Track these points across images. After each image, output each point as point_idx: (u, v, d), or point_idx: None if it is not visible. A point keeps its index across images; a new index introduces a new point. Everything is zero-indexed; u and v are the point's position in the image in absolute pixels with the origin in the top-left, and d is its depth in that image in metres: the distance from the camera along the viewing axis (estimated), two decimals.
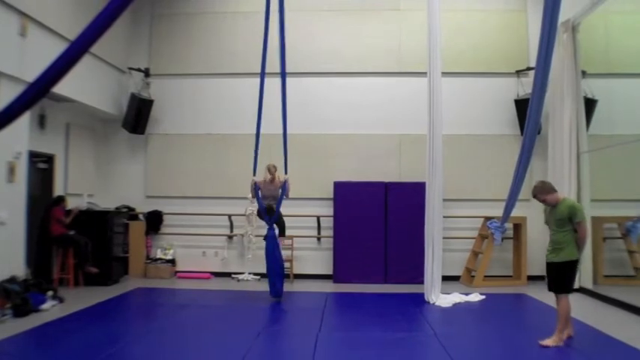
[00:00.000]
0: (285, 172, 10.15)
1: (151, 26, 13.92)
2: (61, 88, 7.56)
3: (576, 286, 11.24)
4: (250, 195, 10.45)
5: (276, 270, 10.26)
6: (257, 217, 11.46)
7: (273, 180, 10.48)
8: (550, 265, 7.49)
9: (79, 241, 11.41)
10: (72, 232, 11.48)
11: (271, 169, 10.45)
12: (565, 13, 10.75)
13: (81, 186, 12.62)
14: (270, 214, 10.41)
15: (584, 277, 11.45)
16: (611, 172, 11.62)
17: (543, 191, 7.51)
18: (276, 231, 10.57)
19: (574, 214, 7.21)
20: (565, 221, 7.27)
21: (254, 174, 10.20)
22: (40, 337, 7.67)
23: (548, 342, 7.19)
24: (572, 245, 7.27)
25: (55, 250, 11.41)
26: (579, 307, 10.02)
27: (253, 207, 11.87)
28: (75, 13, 10.61)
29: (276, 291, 10.28)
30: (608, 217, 11.70)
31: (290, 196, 10.48)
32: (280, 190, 10.34)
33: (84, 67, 8.42)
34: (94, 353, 6.70)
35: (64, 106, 11.58)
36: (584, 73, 11.98)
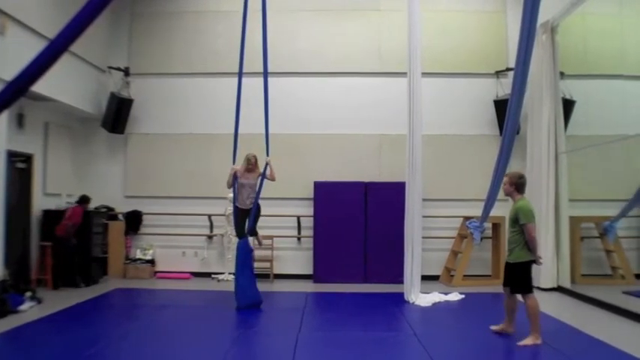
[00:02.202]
0: (267, 155, 9.90)
1: (131, 25, 13.85)
2: (40, 87, 7.49)
3: (554, 285, 11.45)
4: (227, 184, 10.09)
5: (244, 283, 9.73)
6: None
7: (252, 170, 10.06)
8: (505, 264, 7.78)
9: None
10: (74, 240, 11.51)
11: (251, 159, 10.02)
12: (544, 15, 10.82)
13: (60, 186, 12.51)
14: (245, 228, 9.98)
15: (562, 276, 11.59)
16: (589, 173, 11.75)
17: (512, 181, 7.65)
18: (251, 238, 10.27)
19: (519, 216, 7.36)
20: (513, 222, 7.48)
21: (233, 162, 9.90)
22: (18, 338, 7.62)
23: (526, 342, 7.26)
24: (522, 246, 7.41)
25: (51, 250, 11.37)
26: (557, 306, 10.17)
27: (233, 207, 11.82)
28: (54, 12, 10.49)
29: (252, 298, 9.78)
30: (585, 217, 11.84)
31: (275, 179, 10.10)
32: (259, 181, 10.01)
33: (63, 66, 8.33)
34: (73, 355, 6.67)
35: (42, 105, 11.48)
36: (562, 74, 12.09)
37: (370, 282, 12.53)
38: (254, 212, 9.96)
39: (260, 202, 10.09)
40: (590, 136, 11.51)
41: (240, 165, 10.01)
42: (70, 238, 11.40)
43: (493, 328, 7.92)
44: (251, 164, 10.03)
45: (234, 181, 9.96)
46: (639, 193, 9.84)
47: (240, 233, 10.00)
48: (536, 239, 7.45)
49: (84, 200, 11.88)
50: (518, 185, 7.64)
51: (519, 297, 7.57)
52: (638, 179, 9.59)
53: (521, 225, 7.34)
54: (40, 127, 11.96)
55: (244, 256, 9.84)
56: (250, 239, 10.19)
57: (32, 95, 10.31)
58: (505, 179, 7.82)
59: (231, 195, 10.25)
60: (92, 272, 12.03)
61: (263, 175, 9.98)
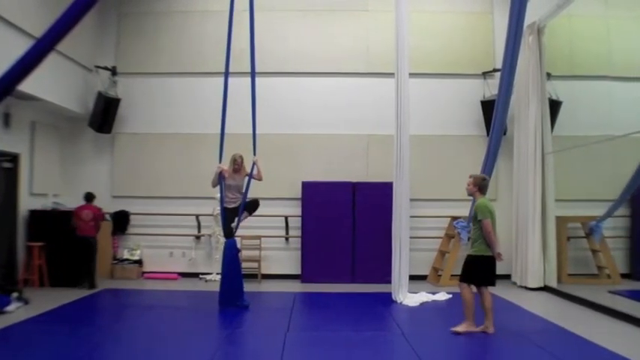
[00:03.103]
0: (254, 154, 9.91)
1: (119, 24, 13.79)
2: (27, 85, 7.49)
3: (541, 284, 11.52)
4: (212, 182, 10.06)
5: (232, 285, 9.79)
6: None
7: (238, 170, 10.08)
8: (466, 258, 8.13)
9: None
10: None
11: (237, 159, 10.04)
12: (530, 16, 10.91)
13: (46, 186, 12.45)
14: (231, 218, 10.00)
15: (548, 275, 11.66)
16: (575, 173, 11.81)
17: (475, 182, 8.11)
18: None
19: (477, 213, 7.87)
20: (474, 219, 7.97)
21: (220, 161, 9.91)
22: (5, 339, 7.54)
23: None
24: (482, 242, 7.79)
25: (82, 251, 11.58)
26: (544, 306, 10.25)
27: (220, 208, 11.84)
28: (41, 10, 10.42)
29: (237, 300, 9.76)
30: (572, 217, 11.91)
31: (262, 178, 10.13)
32: (245, 182, 9.99)
33: (50, 64, 8.31)
34: (61, 356, 6.65)
35: (29, 104, 11.41)
36: (549, 75, 12.16)
37: (358, 282, 12.56)
38: (242, 210, 9.92)
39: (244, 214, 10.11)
40: (577, 136, 11.58)
41: (226, 165, 10.01)
42: (94, 236, 11.69)
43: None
44: (237, 164, 10.04)
45: (219, 180, 9.90)
46: (625, 194, 9.91)
47: (228, 233, 9.98)
48: (493, 236, 7.77)
49: (93, 197, 11.94)
50: (481, 186, 8.14)
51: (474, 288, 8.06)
52: (624, 180, 9.66)
53: (479, 220, 7.79)
54: (27, 127, 11.88)
55: (231, 257, 9.84)
56: (238, 239, 10.20)
57: (19, 94, 10.22)
58: (469, 180, 8.21)
59: (219, 195, 10.25)
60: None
61: (250, 175, 9.96)
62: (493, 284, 7.97)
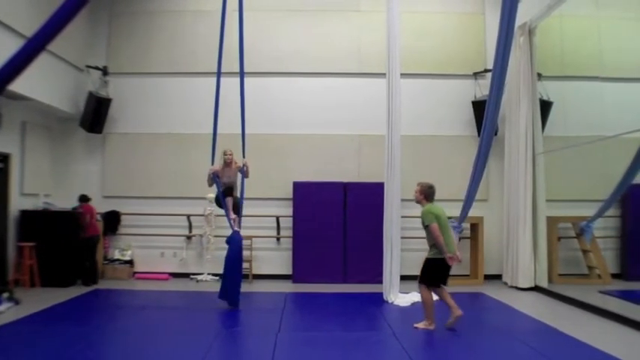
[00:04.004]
0: (243, 157, 10.10)
1: (110, 24, 13.75)
2: (17, 85, 7.45)
3: (532, 284, 11.56)
4: (208, 183, 10.27)
5: (235, 279, 9.82)
6: (216, 217, 11.39)
7: (229, 164, 10.26)
8: (424, 261, 8.51)
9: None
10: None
11: (227, 152, 10.25)
12: (522, 17, 10.97)
13: (37, 186, 12.41)
14: (228, 193, 10.19)
15: (539, 275, 11.69)
16: (566, 173, 11.85)
17: (422, 190, 8.49)
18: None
19: (423, 220, 8.26)
20: (422, 225, 8.31)
21: (212, 163, 10.13)
22: None
23: (419, 325, 8.25)
24: (433, 245, 8.18)
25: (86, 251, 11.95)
26: (535, 305, 10.27)
27: (212, 207, 11.89)
28: (32, 10, 10.39)
29: (230, 297, 9.81)
30: (562, 217, 11.95)
31: (249, 176, 10.32)
32: (239, 177, 10.33)
33: (41, 64, 8.27)
34: (52, 356, 6.63)
35: (20, 104, 11.38)
36: (540, 75, 12.20)
37: (349, 282, 12.56)
38: (240, 199, 10.30)
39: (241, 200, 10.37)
40: (568, 136, 11.62)
41: (218, 165, 10.18)
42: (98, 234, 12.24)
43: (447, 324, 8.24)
44: (228, 157, 10.27)
45: (215, 179, 10.12)
46: (615, 194, 9.95)
47: (224, 190, 10.20)
48: (441, 239, 8.04)
49: (88, 199, 12.26)
50: (427, 194, 8.43)
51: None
52: (615, 180, 9.69)
53: (425, 226, 8.18)
54: (18, 127, 11.84)
55: (237, 251, 9.93)
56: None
57: (9, 94, 10.22)
58: (417, 188, 8.55)
59: (211, 195, 10.50)
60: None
61: (242, 171, 10.20)
62: (445, 284, 8.38)
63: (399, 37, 10.55)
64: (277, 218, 13.24)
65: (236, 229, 10.10)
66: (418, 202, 8.54)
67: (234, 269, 9.81)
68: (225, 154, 10.24)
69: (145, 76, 13.63)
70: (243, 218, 10.60)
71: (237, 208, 10.25)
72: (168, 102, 13.59)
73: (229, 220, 10.13)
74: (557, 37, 12.17)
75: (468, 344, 7.60)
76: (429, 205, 8.33)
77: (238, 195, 10.35)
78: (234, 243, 9.95)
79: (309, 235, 12.82)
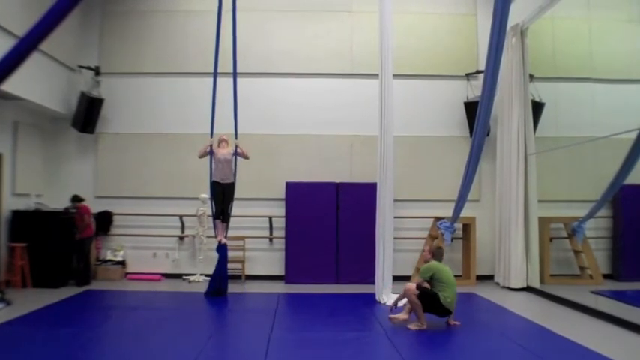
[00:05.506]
0: (236, 138, 10.58)
1: (102, 24, 13.71)
2: (9, 85, 7.44)
3: (524, 285, 11.63)
4: (199, 152, 10.88)
5: (224, 275, 11.05)
6: (208, 217, 11.54)
7: (224, 147, 10.87)
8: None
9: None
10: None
11: (222, 136, 10.87)
12: (514, 18, 10.99)
13: (29, 186, 12.36)
14: (219, 215, 10.89)
15: (531, 276, 11.74)
16: (558, 174, 11.88)
17: (431, 250, 8.87)
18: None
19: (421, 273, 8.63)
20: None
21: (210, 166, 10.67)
22: None
23: (412, 325, 8.29)
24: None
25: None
26: (526, 306, 10.30)
27: (205, 207, 11.93)
28: (24, 9, 10.35)
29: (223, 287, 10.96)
30: (554, 218, 11.98)
31: (249, 157, 11.01)
32: (233, 159, 10.84)
33: (32, 64, 8.24)
34: (44, 357, 6.61)
35: (11, 104, 11.35)
36: (531, 76, 12.24)
37: (342, 282, 12.57)
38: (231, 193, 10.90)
39: (233, 202, 10.71)
40: (559, 137, 11.66)
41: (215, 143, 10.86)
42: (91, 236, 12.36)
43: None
44: (223, 140, 10.92)
45: (208, 153, 10.72)
46: (607, 195, 9.99)
47: (217, 212, 10.86)
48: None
49: (81, 199, 12.27)
50: (435, 254, 8.67)
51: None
52: (606, 181, 9.72)
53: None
54: (9, 127, 11.79)
55: (225, 255, 11.01)
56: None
57: (1, 94, 10.18)
58: (426, 248, 9.37)
59: (204, 195, 10.68)
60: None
61: (235, 153, 10.75)
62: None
63: (391, 38, 10.54)
64: (270, 219, 13.22)
65: (223, 241, 11.04)
66: (426, 260, 8.79)
67: (223, 268, 10.95)
68: (220, 139, 10.85)
69: (137, 76, 13.59)
70: (235, 218, 10.72)
71: (227, 218, 11.10)
72: (159, 102, 13.55)
73: (217, 239, 11.09)
74: (548, 39, 12.21)
75: (459, 344, 7.63)
76: (433, 262, 8.54)
77: (232, 180, 10.95)
78: (223, 251, 11.05)
79: (301, 235, 12.82)
